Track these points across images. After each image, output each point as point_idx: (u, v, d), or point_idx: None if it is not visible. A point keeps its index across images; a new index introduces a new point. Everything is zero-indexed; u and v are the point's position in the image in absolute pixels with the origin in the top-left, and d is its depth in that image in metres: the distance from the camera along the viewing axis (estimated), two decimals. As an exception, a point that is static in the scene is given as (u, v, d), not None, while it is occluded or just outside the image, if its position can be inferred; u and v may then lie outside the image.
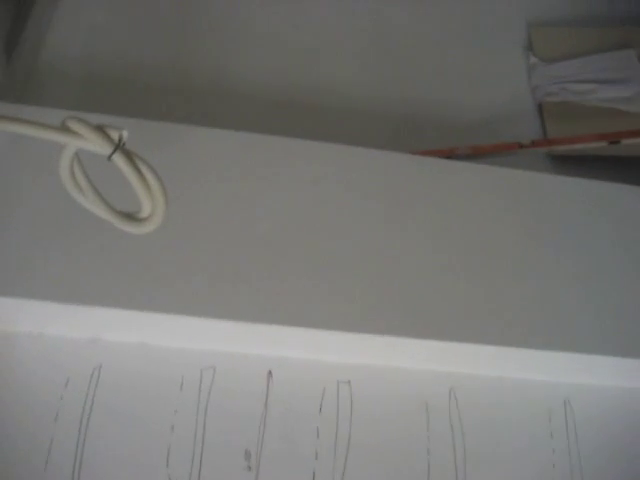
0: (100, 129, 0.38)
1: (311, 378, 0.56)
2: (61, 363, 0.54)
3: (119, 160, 0.38)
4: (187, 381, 0.54)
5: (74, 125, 0.38)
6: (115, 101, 0.66)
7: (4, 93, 0.63)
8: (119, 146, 0.38)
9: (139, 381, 0.54)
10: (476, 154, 0.69)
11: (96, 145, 0.38)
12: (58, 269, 0.51)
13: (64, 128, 0.38)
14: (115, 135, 0.38)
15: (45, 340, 0.54)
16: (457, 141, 0.72)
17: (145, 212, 0.41)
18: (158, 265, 0.53)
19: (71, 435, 0.51)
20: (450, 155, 0.67)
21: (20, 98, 0.63)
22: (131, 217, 0.42)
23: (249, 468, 0.52)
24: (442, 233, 0.60)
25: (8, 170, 0.55)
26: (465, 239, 0.60)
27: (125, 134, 0.38)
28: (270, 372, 0.56)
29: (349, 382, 0.57)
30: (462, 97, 0.78)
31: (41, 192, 0.54)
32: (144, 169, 0.39)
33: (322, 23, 0.80)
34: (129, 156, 0.38)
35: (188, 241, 0.54)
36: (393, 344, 0.56)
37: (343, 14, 0.81)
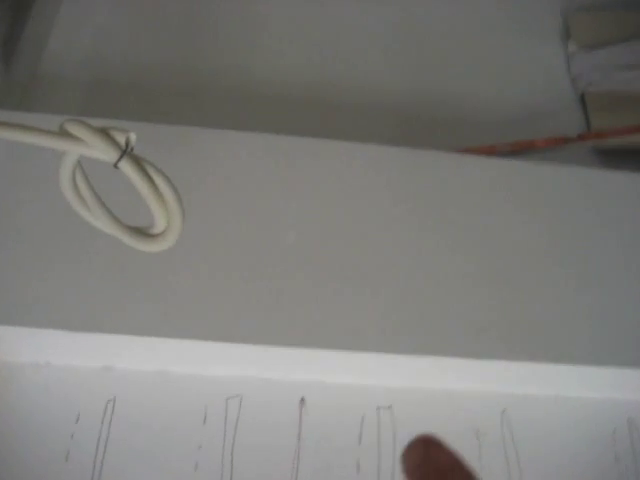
0: (104, 132, 0.32)
1: (348, 404, 0.51)
2: (71, 396, 0.48)
3: (127, 167, 0.32)
4: (211, 412, 0.49)
5: (74, 129, 0.32)
6: (123, 105, 0.61)
7: (3, 100, 0.58)
8: (126, 151, 0.32)
9: (158, 414, 0.48)
10: (518, 151, 0.63)
11: (100, 151, 0.32)
12: (63, 293, 0.46)
13: (63, 133, 0.33)
14: (121, 139, 0.32)
15: (52, 371, 0.49)
16: (493, 138, 0.66)
17: (159, 227, 0.36)
18: (175, 286, 0.47)
19: (84, 478, 0.46)
20: (490, 153, 0.61)
21: (21, 105, 0.58)
22: (143, 233, 0.37)
23: (284, 509, 0.46)
24: (487, 239, 0.54)
25: (4, 186, 0.50)
26: (513, 245, 0.54)
27: (133, 137, 0.33)
28: (303, 399, 0.50)
29: (390, 407, 0.51)
30: (496, 90, 0.72)
31: (42, 209, 0.49)
32: (156, 177, 0.33)
33: (342, 14, 0.75)
34: (138, 162, 0.33)
35: (208, 258, 0.49)
36: (437, 365, 0.50)
37: (365, 4, 0.76)
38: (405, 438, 0.49)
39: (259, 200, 0.52)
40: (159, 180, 0.33)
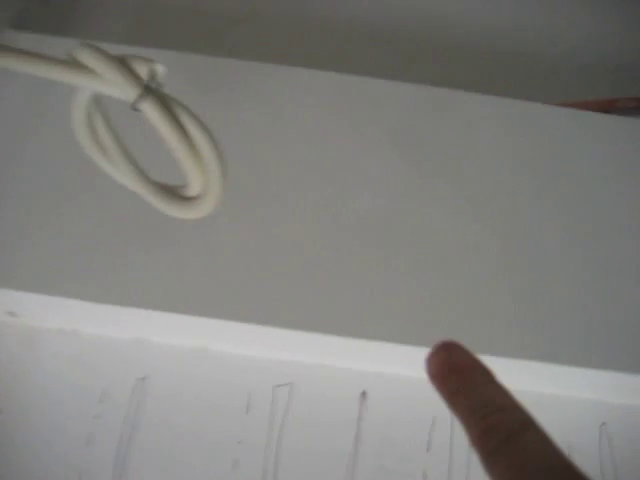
0: (121, 62, 0.24)
1: (418, 402, 0.43)
2: (97, 370, 0.42)
3: (150, 109, 0.24)
4: (256, 401, 0.42)
5: (84, 56, 0.24)
6: (175, 33, 0.53)
7: (39, 25, 0.50)
8: (150, 88, 0.24)
9: (194, 398, 0.41)
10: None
11: (115, 86, 0.24)
12: (93, 263, 0.40)
13: (71, 61, 0.25)
14: (143, 70, 0.24)
15: (79, 340, 0.43)
16: (611, 91, 0.55)
17: (194, 188, 0.28)
18: (217, 260, 0.40)
19: (107, 466, 0.39)
20: (609, 108, 0.50)
21: (58, 31, 0.50)
22: (175, 194, 0.29)
23: (334, 524, 0.39)
24: (609, 217, 0.44)
25: (23, 132, 0.43)
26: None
27: (160, 70, 0.25)
28: (364, 393, 0.43)
29: (467, 410, 0.43)
30: (611, 32, 0.60)
31: (64, 167, 0.42)
32: (190, 125, 0.25)
33: None
34: (166, 104, 0.24)
35: (257, 227, 0.41)
36: (522, 367, 0.41)
37: None
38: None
39: (324, 154, 0.44)
40: (194, 129, 0.25)
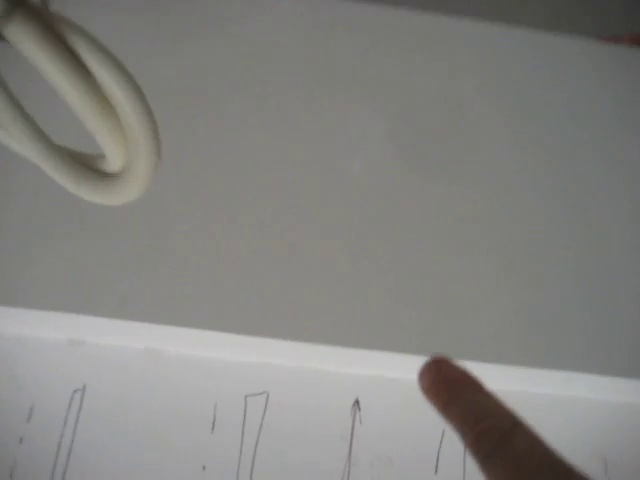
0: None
1: (423, 412, 0.34)
2: (22, 381, 0.33)
3: (20, 35, 0.15)
4: (223, 415, 0.33)
5: None
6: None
7: None
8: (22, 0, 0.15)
9: (145, 416, 0.33)
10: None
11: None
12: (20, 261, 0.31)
13: None
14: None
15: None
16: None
17: (113, 162, 0.18)
18: (163, 256, 0.32)
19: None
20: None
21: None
22: (89, 167, 0.19)
23: None
24: None
25: None
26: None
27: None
28: (357, 401, 0.34)
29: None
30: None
31: None
32: (96, 62, 0.16)
33: None
34: (51, 28, 0.15)
35: (217, 217, 0.32)
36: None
37: None
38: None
39: (298, 107, 0.35)
40: (102, 69, 0.16)
